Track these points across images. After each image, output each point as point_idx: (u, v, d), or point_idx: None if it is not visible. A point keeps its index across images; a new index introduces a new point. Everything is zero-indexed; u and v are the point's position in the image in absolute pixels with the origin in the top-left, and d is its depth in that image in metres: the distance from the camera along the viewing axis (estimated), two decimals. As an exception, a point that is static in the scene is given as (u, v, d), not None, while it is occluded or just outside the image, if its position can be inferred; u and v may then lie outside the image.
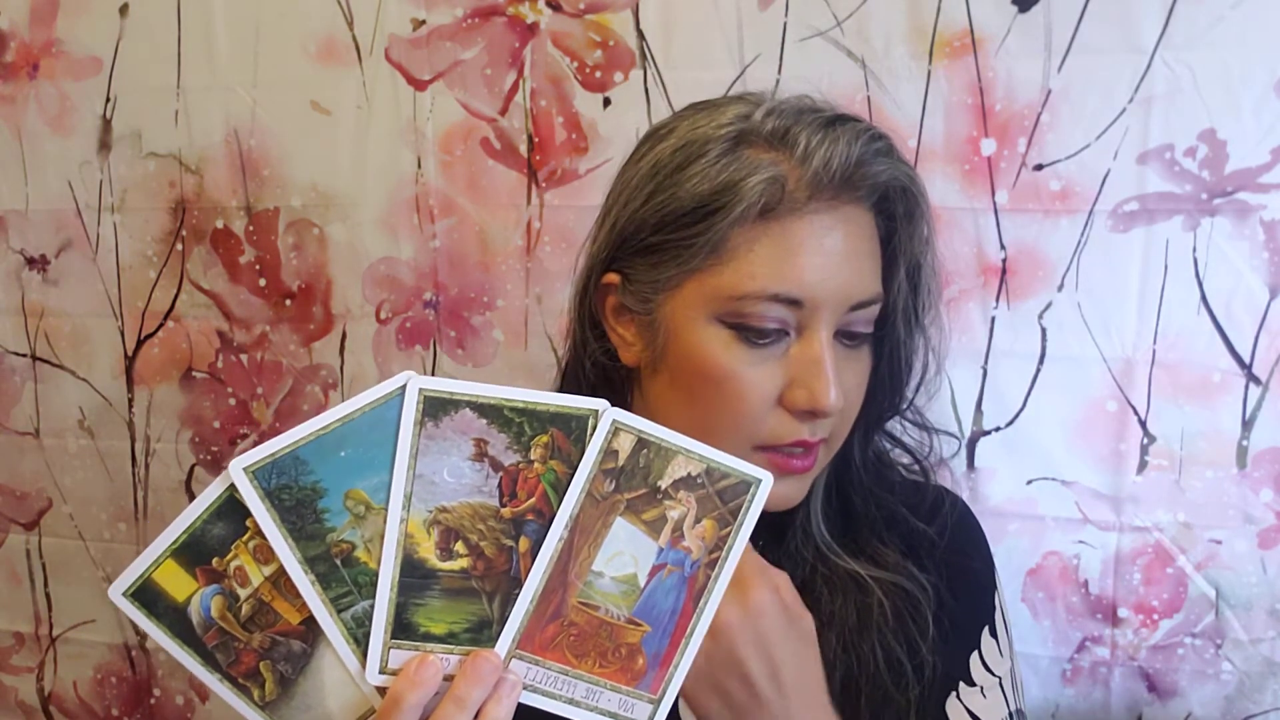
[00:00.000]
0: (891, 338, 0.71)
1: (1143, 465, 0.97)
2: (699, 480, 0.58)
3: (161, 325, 1.19)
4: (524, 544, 0.56)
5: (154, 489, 1.23)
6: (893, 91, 0.96)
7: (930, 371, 0.75)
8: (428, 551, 0.56)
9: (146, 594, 0.55)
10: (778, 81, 0.98)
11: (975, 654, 0.73)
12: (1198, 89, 0.90)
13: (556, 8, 1.03)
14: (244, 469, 0.54)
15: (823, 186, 0.64)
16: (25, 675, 1.33)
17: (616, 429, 0.57)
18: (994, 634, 0.74)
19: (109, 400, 1.22)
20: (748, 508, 0.58)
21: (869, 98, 0.97)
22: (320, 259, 1.13)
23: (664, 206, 0.66)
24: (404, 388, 0.56)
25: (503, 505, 0.56)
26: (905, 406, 0.76)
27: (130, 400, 1.22)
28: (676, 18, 1.00)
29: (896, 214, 0.68)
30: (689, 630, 0.57)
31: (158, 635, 0.55)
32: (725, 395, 0.65)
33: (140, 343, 1.21)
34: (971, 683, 0.72)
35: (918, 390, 0.75)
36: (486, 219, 1.08)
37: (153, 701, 1.28)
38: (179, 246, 1.17)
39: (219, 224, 1.15)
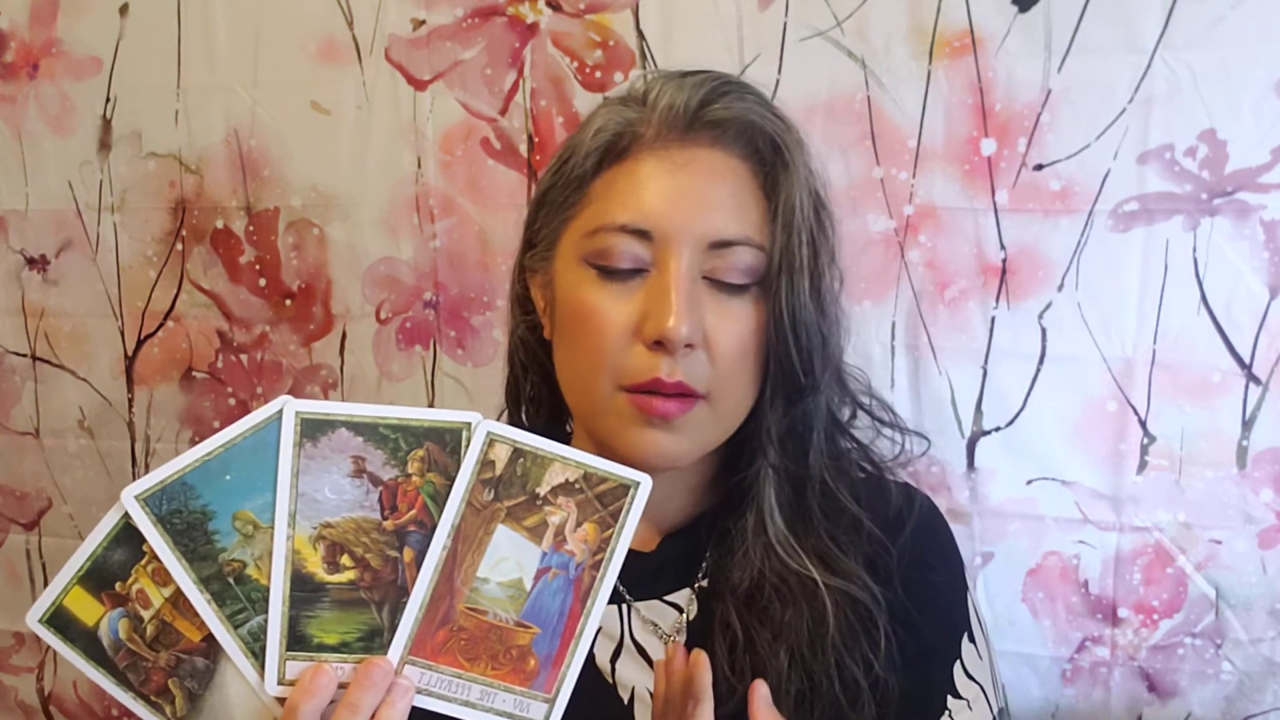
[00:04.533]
0: (777, 292, 0.67)
1: (1143, 465, 0.97)
2: (577, 486, 0.60)
3: (161, 325, 1.19)
4: (408, 554, 0.59)
5: (154, 489, 1.23)
6: (893, 91, 0.96)
7: (847, 347, 0.75)
8: (315, 566, 0.58)
9: (59, 620, 0.58)
10: (778, 82, 0.98)
11: (958, 664, 0.72)
12: (1198, 89, 0.90)
13: (556, 8, 1.03)
14: (135, 496, 0.57)
15: (668, 127, 0.68)
16: (25, 675, 1.33)
17: (492, 440, 0.59)
18: (972, 639, 0.73)
19: (109, 400, 1.22)
20: (628, 510, 0.60)
21: (869, 98, 0.97)
22: (320, 259, 1.13)
23: (555, 169, 0.72)
24: (280, 412, 0.59)
25: (384, 518, 0.59)
26: (824, 386, 0.71)
27: (130, 400, 1.22)
28: (676, 18, 1.00)
29: (772, 162, 0.69)
30: (578, 630, 0.59)
31: (74, 659, 0.58)
32: (588, 332, 0.67)
33: (140, 343, 1.21)
34: (958, 695, 0.71)
35: (838, 371, 0.74)
36: (486, 219, 1.08)
37: (153, 701, 1.28)
38: (179, 246, 1.17)
39: (219, 224, 1.15)
